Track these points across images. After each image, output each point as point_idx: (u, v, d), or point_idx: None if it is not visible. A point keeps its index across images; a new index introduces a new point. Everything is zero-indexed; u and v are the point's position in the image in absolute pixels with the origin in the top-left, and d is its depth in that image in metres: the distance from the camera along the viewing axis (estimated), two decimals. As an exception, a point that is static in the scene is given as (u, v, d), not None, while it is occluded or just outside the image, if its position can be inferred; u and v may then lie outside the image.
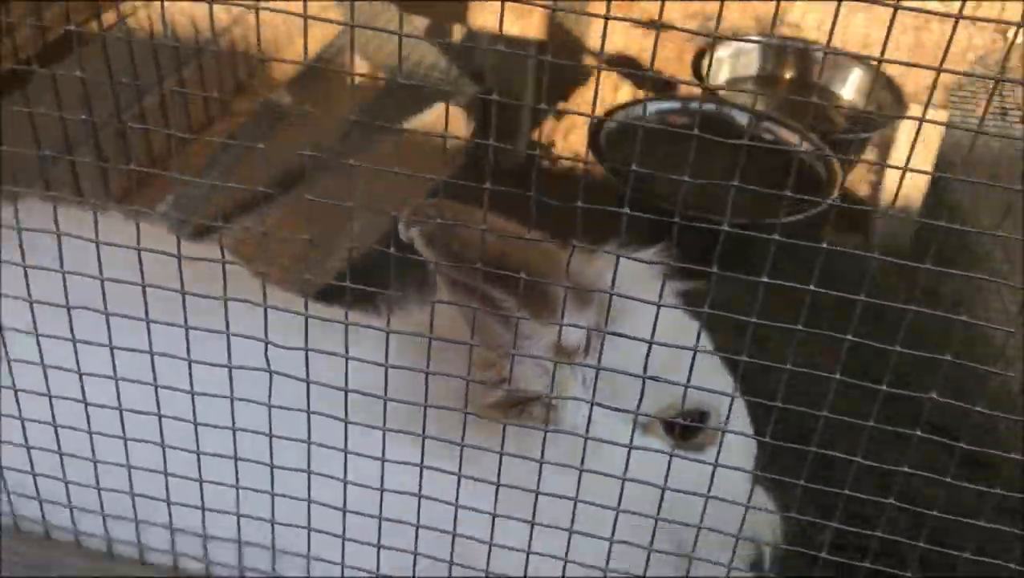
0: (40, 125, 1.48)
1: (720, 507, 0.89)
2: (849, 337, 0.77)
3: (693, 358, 0.82)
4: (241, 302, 0.85)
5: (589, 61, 2.94)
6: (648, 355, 0.81)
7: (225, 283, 0.86)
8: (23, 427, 0.97)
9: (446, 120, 2.48)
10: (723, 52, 2.37)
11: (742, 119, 2.04)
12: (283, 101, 3.10)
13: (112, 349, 0.90)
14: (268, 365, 0.87)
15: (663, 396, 0.96)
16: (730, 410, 0.86)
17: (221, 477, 0.97)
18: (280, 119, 2.81)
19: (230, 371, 0.88)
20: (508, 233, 0.88)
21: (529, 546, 0.94)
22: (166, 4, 1.87)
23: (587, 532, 0.91)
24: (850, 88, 2.43)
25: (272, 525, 0.98)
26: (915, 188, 2.82)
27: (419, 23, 3.60)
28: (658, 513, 0.89)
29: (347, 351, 0.86)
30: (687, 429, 1.01)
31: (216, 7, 1.96)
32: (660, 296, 0.81)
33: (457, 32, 3.84)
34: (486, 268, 0.85)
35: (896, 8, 0.66)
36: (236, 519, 0.98)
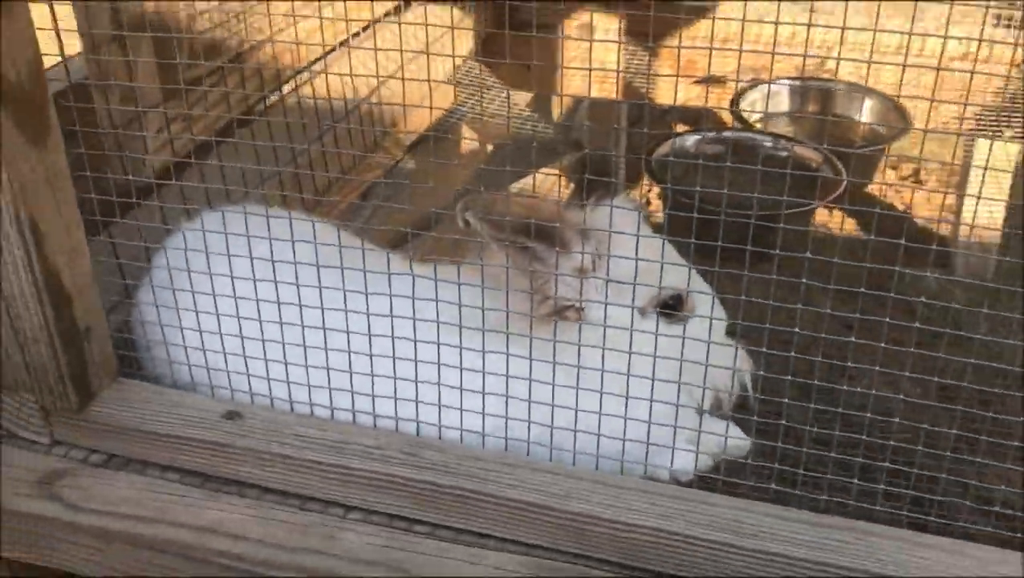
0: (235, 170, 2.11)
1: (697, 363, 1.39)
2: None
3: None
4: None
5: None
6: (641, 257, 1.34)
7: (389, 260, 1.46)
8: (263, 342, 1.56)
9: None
10: (757, 94, 2.90)
11: (766, 141, 2.56)
12: (408, 167, 3.73)
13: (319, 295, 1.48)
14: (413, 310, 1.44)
15: (650, 290, 1.48)
16: (688, 286, 1.37)
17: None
18: (407, 180, 3.44)
19: (392, 312, 1.46)
20: (534, 203, 1.42)
21: (577, 402, 1.46)
22: (323, 78, 2.51)
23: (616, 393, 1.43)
24: (865, 114, 2.92)
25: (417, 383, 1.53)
26: (992, 220, 3.19)
27: (522, 98, 4.23)
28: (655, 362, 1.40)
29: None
30: (668, 308, 1.53)
31: (359, 80, 2.59)
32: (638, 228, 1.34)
33: (557, 103, 4.47)
34: (517, 225, 1.41)
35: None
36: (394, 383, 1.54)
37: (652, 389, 1.41)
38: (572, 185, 3.46)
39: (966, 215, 3.60)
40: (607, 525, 1.38)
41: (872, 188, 3.43)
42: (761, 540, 1.33)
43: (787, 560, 1.32)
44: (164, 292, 1.63)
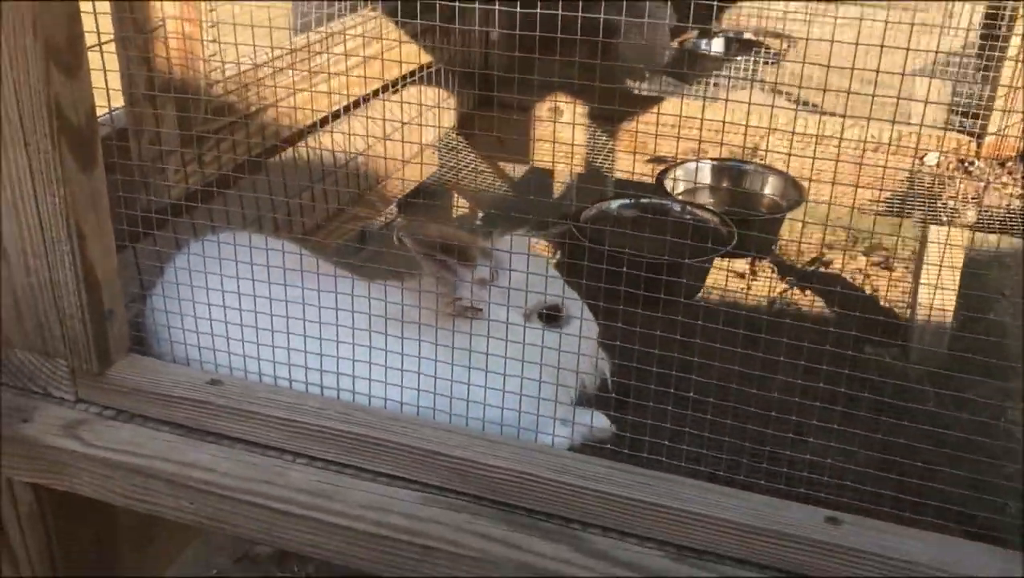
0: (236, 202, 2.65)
1: (569, 357, 1.89)
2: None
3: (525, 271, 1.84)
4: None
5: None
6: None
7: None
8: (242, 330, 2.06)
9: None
10: (682, 171, 3.45)
11: (674, 206, 3.08)
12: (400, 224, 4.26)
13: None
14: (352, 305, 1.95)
15: (534, 299, 1.97)
16: (551, 295, 1.86)
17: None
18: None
19: (337, 313, 1.96)
20: (448, 230, 1.94)
21: (470, 378, 1.95)
22: (323, 135, 3.06)
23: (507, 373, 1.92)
24: (768, 188, 3.45)
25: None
26: (945, 299, 3.66)
27: (520, 169, 4.78)
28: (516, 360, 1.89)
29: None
30: (547, 315, 2.03)
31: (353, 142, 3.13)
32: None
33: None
34: (438, 244, 1.93)
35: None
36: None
37: (522, 369, 1.90)
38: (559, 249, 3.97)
39: (921, 299, 4.09)
40: (483, 468, 1.85)
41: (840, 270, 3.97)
42: (594, 482, 1.80)
43: (611, 496, 1.78)
44: (172, 289, 2.14)
